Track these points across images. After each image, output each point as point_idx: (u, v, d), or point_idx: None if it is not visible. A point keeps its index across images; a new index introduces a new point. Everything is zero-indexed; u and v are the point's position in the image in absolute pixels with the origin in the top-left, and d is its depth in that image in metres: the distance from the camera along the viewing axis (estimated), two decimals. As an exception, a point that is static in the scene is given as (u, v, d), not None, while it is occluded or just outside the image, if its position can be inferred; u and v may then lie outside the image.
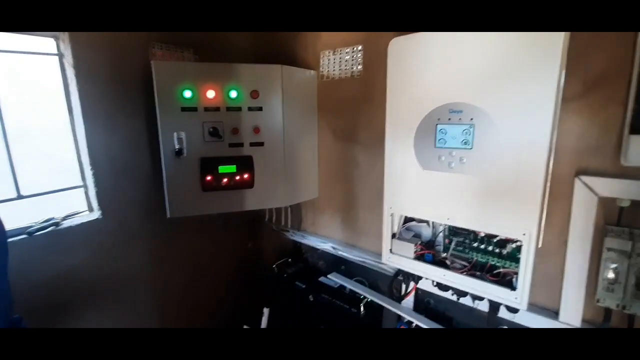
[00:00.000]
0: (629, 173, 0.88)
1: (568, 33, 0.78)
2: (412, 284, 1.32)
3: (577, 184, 0.96)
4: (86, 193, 1.37)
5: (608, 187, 0.92)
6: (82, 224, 1.32)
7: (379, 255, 1.22)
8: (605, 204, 0.94)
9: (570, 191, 0.98)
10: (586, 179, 0.94)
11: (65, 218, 1.31)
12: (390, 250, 1.15)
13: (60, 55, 1.25)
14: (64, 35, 1.21)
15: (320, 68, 1.52)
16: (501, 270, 0.97)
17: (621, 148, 0.88)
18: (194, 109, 1.30)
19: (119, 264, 1.43)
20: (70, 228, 1.29)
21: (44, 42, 1.23)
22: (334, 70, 1.48)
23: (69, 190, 1.34)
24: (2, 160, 1.16)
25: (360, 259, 1.49)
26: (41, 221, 1.25)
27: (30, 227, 1.21)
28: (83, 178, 1.35)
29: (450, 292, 1.10)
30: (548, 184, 0.87)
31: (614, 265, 0.89)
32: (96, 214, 1.36)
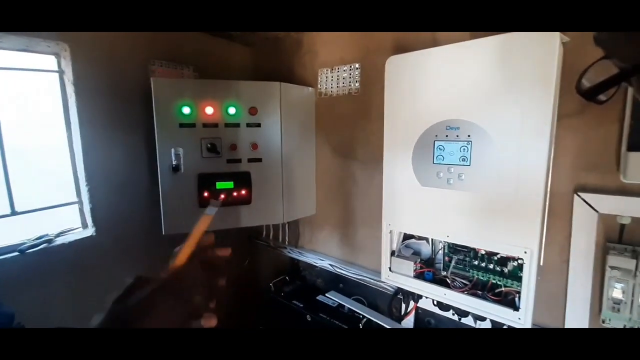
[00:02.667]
0: (629, 189, 0.88)
1: (562, 49, 0.80)
2: (412, 303, 1.29)
3: (577, 200, 0.95)
4: (80, 209, 1.35)
5: (608, 204, 0.91)
6: (76, 241, 1.29)
7: (378, 273, 1.20)
8: (606, 221, 0.92)
9: (569, 208, 0.97)
10: (585, 195, 0.94)
11: (58, 235, 1.29)
12: (390, 268, 1.13)
13: (61, 72, 1.26)
14: (65, 53, 1.23)
15: (318, 85, 1.54)
16: (503, 289, 0.95)
17: (619, 165, 0.88)
18: (192, 125, 1.31)
19: (112, 282, 1.39)
20: (63, 245, 1.26)
21: (45, 60, 1.25)
22: (331, 87, 1.50)
23: (66, 207, 1.32)
24: (-2, 176, 1.16)
25: (359, 277, 1.46)
26: (33, 238, 1.23)
27: (22, 244, 1.18)
28: (78, 194, 1.34)
29: (451, 311, 1.08)
30: (547, 201, 0.86)
31: (618, 284, 0.87)
32: (90, 231, 1.34)
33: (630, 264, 0.86)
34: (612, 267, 0.88)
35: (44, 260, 1.21)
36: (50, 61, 1.26)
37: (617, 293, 0.88)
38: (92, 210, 1.32)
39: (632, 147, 0.84)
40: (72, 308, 1.30)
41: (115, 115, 1.36)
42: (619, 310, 0.88)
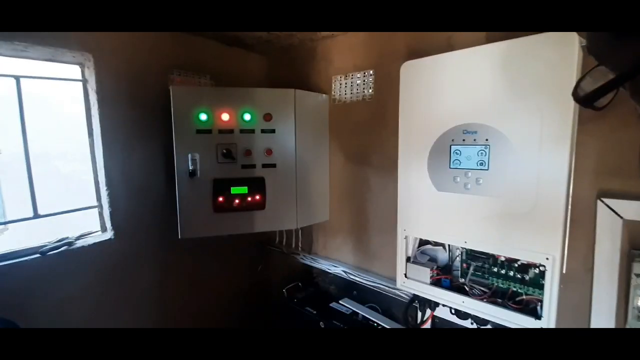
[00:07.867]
0: (655, 195, 0.85)
1: (582, 52, 0.79)
2: (428, 311, 1.26)
3: (600, 206, 0.93)
4: (100, 213, 1.38)
5: (633, 209, 0.88)
6: (95, 244, 1.32)
7: (392, 280, 1.18)
8: (631, 227, 0.89)
9: (592, 215, 0.94)
10: (609, 201, 0.91)
11: (78, 238, 1.32)
12: (405, 274, 1.11)
13: (85, 81, 1.31)
14: (89, 63, 1.28)
15: (332, 92, 1.56)
16: (524, 297, 0.92)
17: (644, 169, 0.85)
18: (209, 131, 1.33)
19: (128, 286, 1.42)
20: (82, 248, 1.29)
21: (70, 69, 1.30)
22: (345, 94, 1.51)
23: (86, 211, 1.36)
24: (23, 181, 1.20)
25: (374, 284, 1.44)
26: (54, 241, 1.26)
27: (44, 246, 1.22)
28: (98, 198, 1.37)
29: (469, 320, 1.05)
30: (569, 206, 0.84)
31: (646, 293, 0.84)
32: (109, 234, 1.36)
33: (659, 272, 0.82)
34: (638, 275, 0.85)
35: (64, 262, 1.24)
36: (74, 71, 1.31)
37: (645, 303, 0.85)
38: (112, 214, 1.36)
39: (658, 151, 0.81)
40: (90, 309, 1.33)
41: (135, 122, 1.40)
42: (647, 320, 0.84)
